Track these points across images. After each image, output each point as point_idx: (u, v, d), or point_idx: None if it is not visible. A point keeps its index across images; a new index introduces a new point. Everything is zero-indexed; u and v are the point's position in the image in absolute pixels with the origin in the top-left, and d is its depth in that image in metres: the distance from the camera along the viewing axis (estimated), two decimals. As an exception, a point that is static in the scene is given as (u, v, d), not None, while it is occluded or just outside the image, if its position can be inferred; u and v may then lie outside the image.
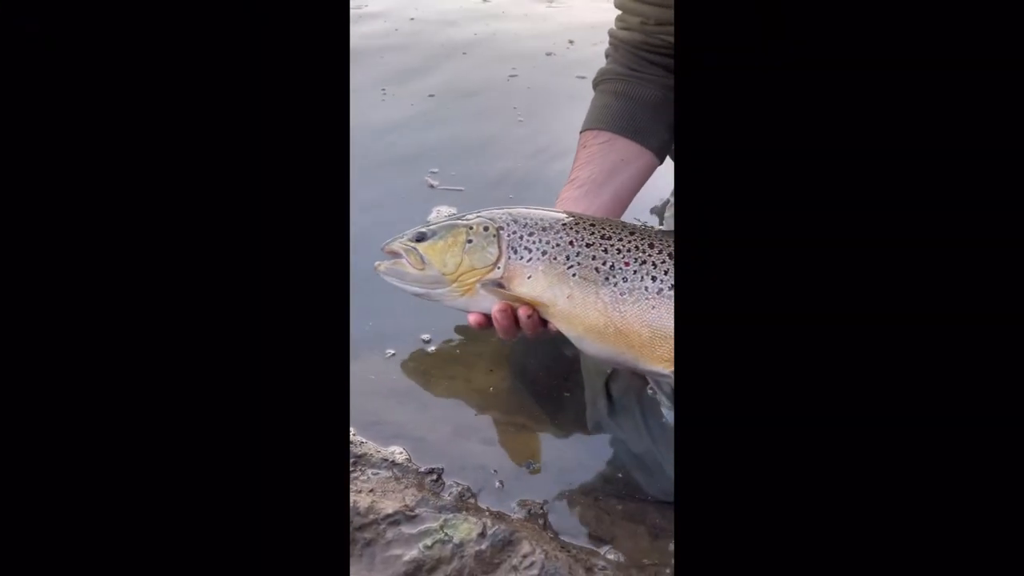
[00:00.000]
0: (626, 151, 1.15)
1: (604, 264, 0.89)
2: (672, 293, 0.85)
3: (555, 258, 0.90)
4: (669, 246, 0.88)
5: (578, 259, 0.89)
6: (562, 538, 0.85)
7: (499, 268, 0.91)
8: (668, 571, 0.84)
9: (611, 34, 1.23)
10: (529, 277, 0.91)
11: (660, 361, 0.85)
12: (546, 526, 0.87)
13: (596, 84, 1.23)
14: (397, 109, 1.84)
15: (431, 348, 1.12)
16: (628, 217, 1.15)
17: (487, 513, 0.84)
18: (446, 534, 0.79)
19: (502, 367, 1.10)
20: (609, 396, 1.02)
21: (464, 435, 0.97)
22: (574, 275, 0.89)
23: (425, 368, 1.09)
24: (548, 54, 2.17)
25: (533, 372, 1.10)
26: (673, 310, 0.83)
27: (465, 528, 0.80)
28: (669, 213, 1.25)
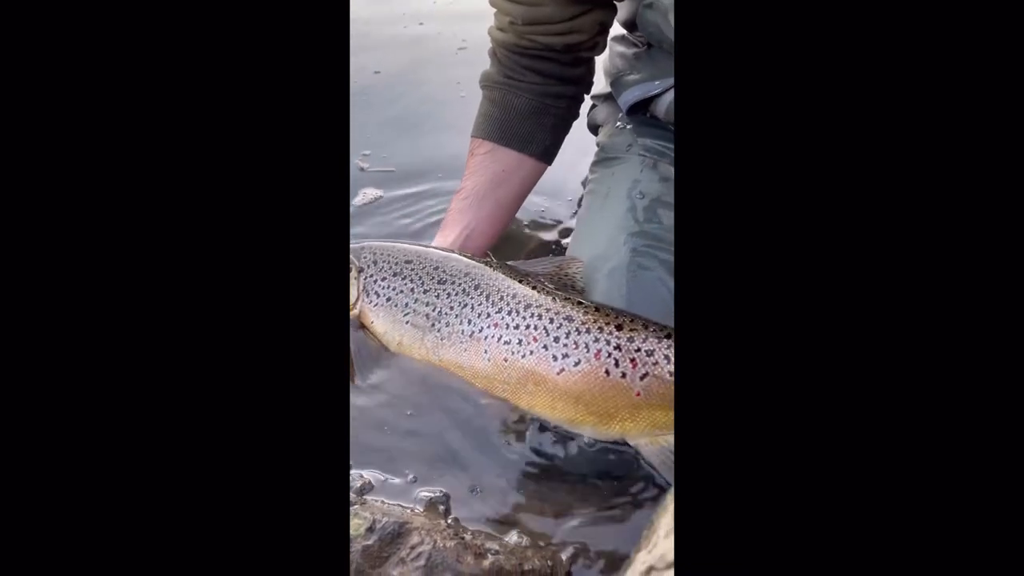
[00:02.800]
0: (507, 161, 1.20)
1: (433, 311, 0.97)
2: (484, 334, 0.93)
3: (396, 304, 1.00)
4: (492, 286, 0.96)
5: (414, 306, 0.99)
6: (462, 525, 0.84)
7: (356, 308, 1.02)
8: (569, 550, 0.82)
9: (489, 34, 1.22)
10: (372, 322, 1.01)
11: (477, 395, 0.94)
12: (446, 514, 0.86)
13: (481, 86, 1.24)
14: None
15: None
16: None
17: (381, 507, 0.82)
18: (334, 532, 0.77)
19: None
20: None
21: (370, 426, 0.95)
22: (407, 322, 0.99)
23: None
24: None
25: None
26: (481, 351, 0.93)
27: (354, 524, 0.78)
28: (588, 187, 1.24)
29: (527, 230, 1.40)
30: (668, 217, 1.07)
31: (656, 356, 0.88)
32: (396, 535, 0.77)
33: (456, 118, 1.65)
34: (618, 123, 1.25)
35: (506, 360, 0.92)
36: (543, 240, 1.37)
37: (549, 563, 0.78)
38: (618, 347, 0.88)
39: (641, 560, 0.58)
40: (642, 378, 0.87)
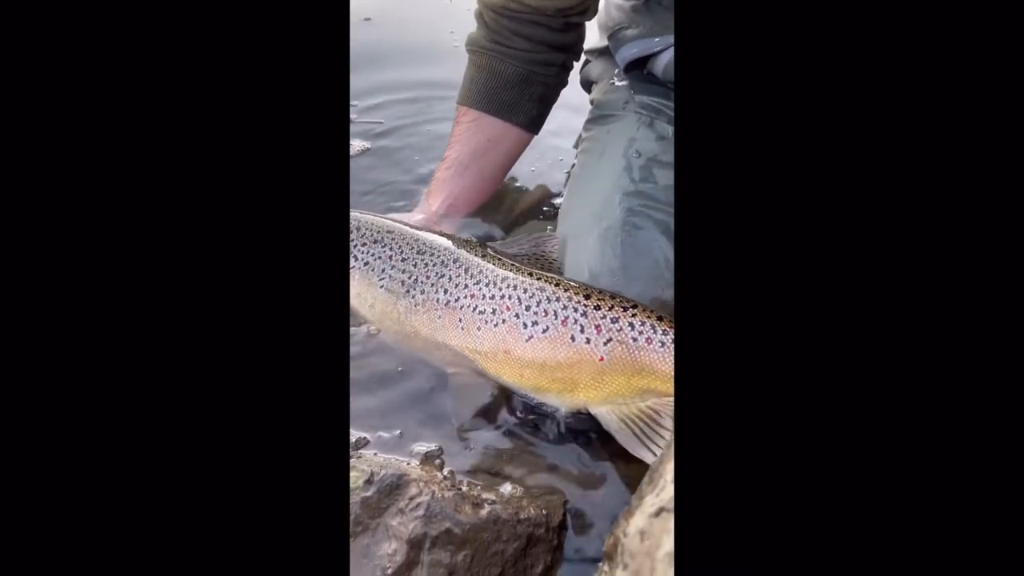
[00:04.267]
0: (492, 130, 1.18)
1: (409, 278, 0.99)
2: (460, 303, 0.95)
3: (372, 268, 1.02)
4: (470, 261, 0.98)
5: (390, 272, 1.00)
6: (458, 478, 0.85)
7: None
8: (560, 496, 0.84)
9: None
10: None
11: (443, 363, 0.97)
12: (442, 468, 0.87)
13: (467, 50, 1.21)
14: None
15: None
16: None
17: (378, 461, 0.83)
18: (333, 484, 0.78)
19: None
20: None
21: (364, 387, 0.96)
22: (381, 286, 1.01)
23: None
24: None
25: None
26: (456, 319, 0.94)
27: (352, 476, 0.79)
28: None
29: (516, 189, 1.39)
30: (664, 176, 1.07)
31: (621, 323, 0.90)
32: (395, 487, 0.78)
33: (451, 69, 1.64)
34: (613, 79, 1.24)
35: (479, 329, 0.93)
36: (534, 199, 1.37)
37: (544, 512, 0.80)
38: (584, 314, 0.90)
39: (649, 503, 0.60)
40: (606, 343, 0.89)
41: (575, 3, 1.13)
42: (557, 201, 1.31)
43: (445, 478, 0.83)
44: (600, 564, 0.68)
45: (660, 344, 0.89)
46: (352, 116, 1.48)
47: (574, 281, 0.96)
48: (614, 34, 1.20)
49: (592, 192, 1.09)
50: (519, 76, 1.16)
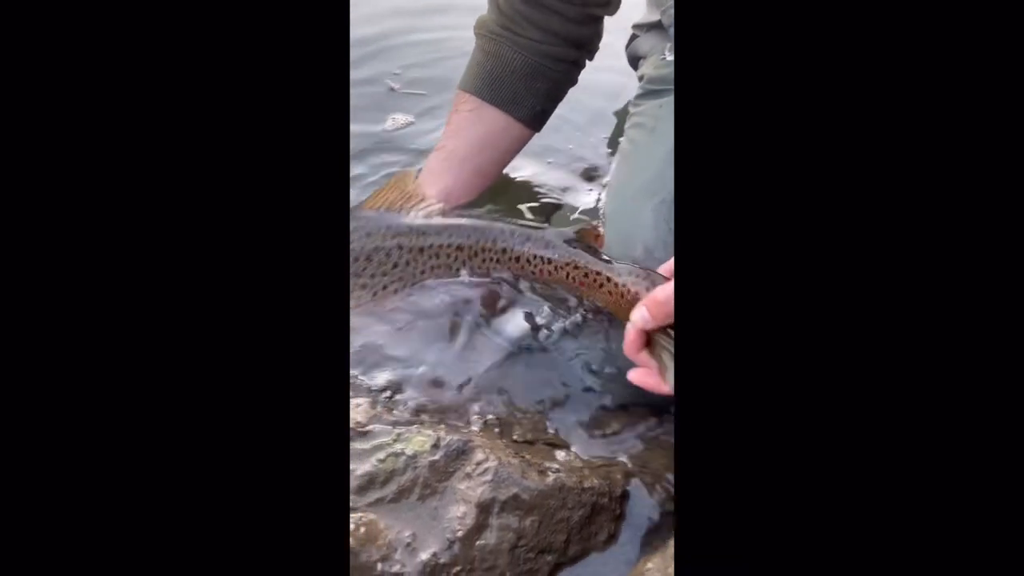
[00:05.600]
0: (492, 122, 1.12)
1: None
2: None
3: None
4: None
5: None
6: (519, 445, 0.86)
7: None
8: (621, 467, 0.85)
9: None
10: None
11: None
12: (502, 435, 0.88)
13: (475, 33, 1.15)
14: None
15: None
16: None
17: (442, 426, 0.84)
18: (399, 448, 0.79)
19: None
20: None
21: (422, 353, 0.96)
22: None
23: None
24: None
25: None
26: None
27: (418, 441, 0.79)
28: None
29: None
30: None
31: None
32: (461, 452, 0.79)
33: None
34: (665, 55, 1.23)
35: None
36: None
37: (607, 481, 0.81)
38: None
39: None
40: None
41: None
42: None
43: (507, 445, 0.84)
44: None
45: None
46: (395, 87, 1.47)
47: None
48: (668, 9, 1.19)
49: (644, 167, 1.08)
50: (527, 68, 1.10)
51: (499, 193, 1.22)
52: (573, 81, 1.18)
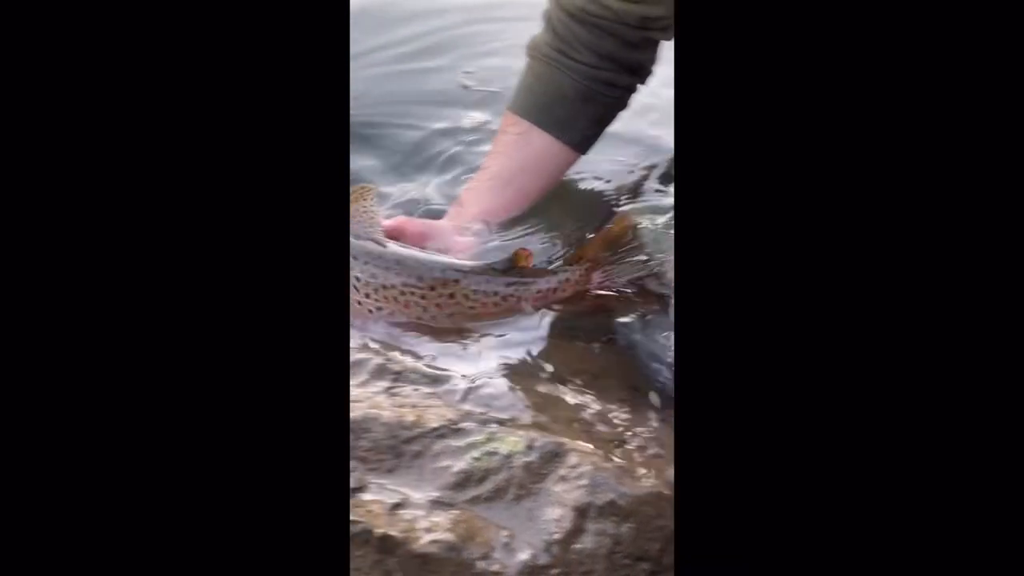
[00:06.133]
0: (540, 146, 1.11)
1: None
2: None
3: None
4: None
5: None
6: (608, 446, 0.85)
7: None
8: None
9: None
10: None
11: None
12: (591, 437, 0.87)
13: (527, 55, 1.14)
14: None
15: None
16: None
17: (532, 426, 0.83)
18: (493, 447, 0.79)
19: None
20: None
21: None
22: None
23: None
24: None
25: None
26: None
27: (512, 441, 0.79)
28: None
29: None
30: None
31: None
32: (555, 454, 0.78)
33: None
34: None
35: None
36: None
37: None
38: None
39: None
40: None
41: (662, 15, 1.03)
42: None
43: (599, 447, 0.83)
44: None
45: None
46: (469, 84, 1.44)
47: None
48: None
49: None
50: (578, 93, 1.09)
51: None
52: (624, 105, 1.16)
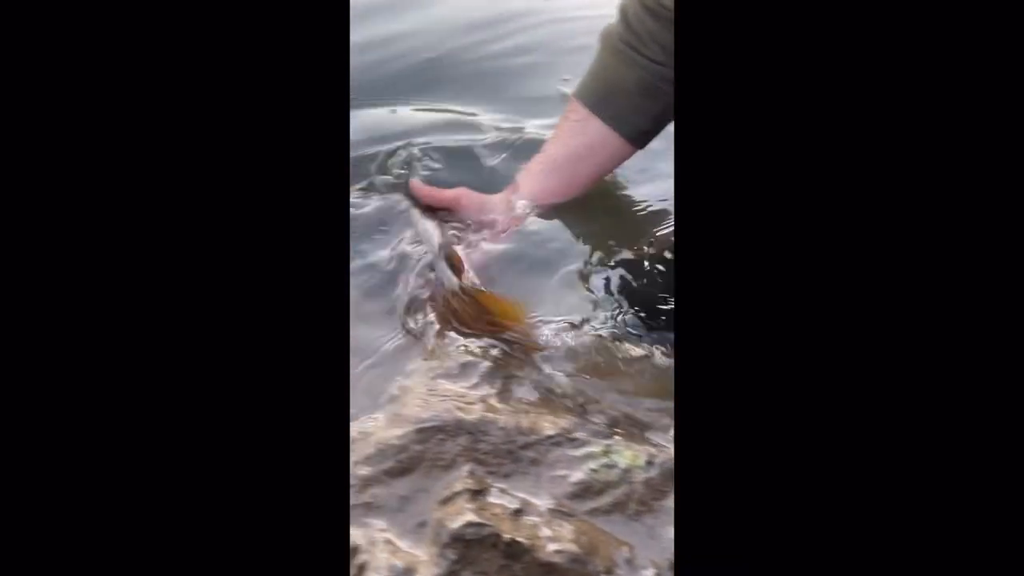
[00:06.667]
0: (596, 136, 1.11)
1: None
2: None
3: None
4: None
5: None
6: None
7: None
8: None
9: None
10: None
11: None
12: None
13: (599, 42, 1.15)
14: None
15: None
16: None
17: (646, 441, 0.82)
18: (611, 459, 0.77)
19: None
20: None
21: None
22: None
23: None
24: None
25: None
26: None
27: (629, 455, 0.77)
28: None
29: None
30: None
31: None
32: (674, 471, 0.76)
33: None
34: None
35: None
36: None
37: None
38: None
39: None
40: None
41: None
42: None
43: (716, 471, 0.81)
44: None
45: None
46: (564, 89, 1.43)
47: None
48: None
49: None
50: (641, 87, 1.08)
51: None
52: None
